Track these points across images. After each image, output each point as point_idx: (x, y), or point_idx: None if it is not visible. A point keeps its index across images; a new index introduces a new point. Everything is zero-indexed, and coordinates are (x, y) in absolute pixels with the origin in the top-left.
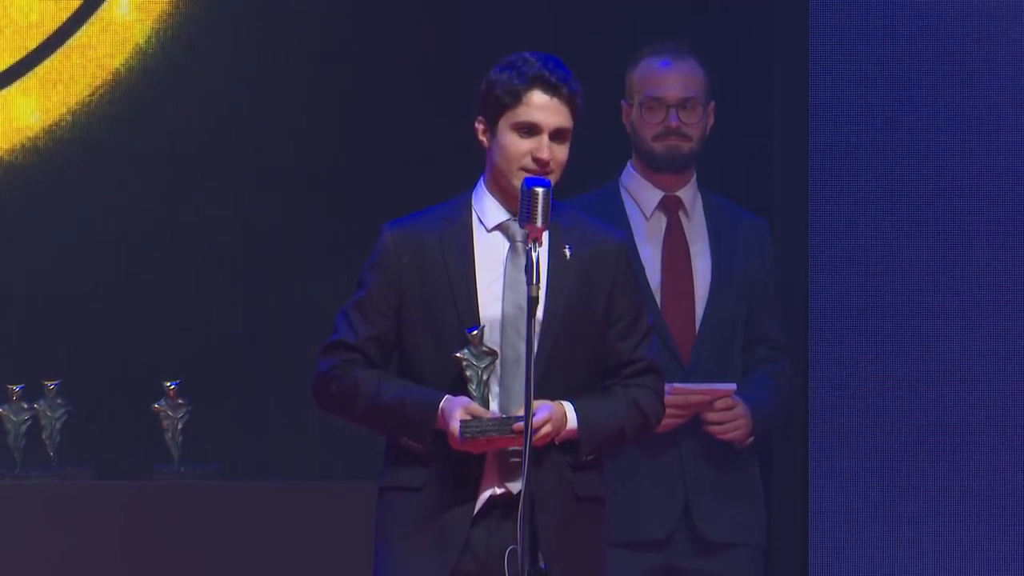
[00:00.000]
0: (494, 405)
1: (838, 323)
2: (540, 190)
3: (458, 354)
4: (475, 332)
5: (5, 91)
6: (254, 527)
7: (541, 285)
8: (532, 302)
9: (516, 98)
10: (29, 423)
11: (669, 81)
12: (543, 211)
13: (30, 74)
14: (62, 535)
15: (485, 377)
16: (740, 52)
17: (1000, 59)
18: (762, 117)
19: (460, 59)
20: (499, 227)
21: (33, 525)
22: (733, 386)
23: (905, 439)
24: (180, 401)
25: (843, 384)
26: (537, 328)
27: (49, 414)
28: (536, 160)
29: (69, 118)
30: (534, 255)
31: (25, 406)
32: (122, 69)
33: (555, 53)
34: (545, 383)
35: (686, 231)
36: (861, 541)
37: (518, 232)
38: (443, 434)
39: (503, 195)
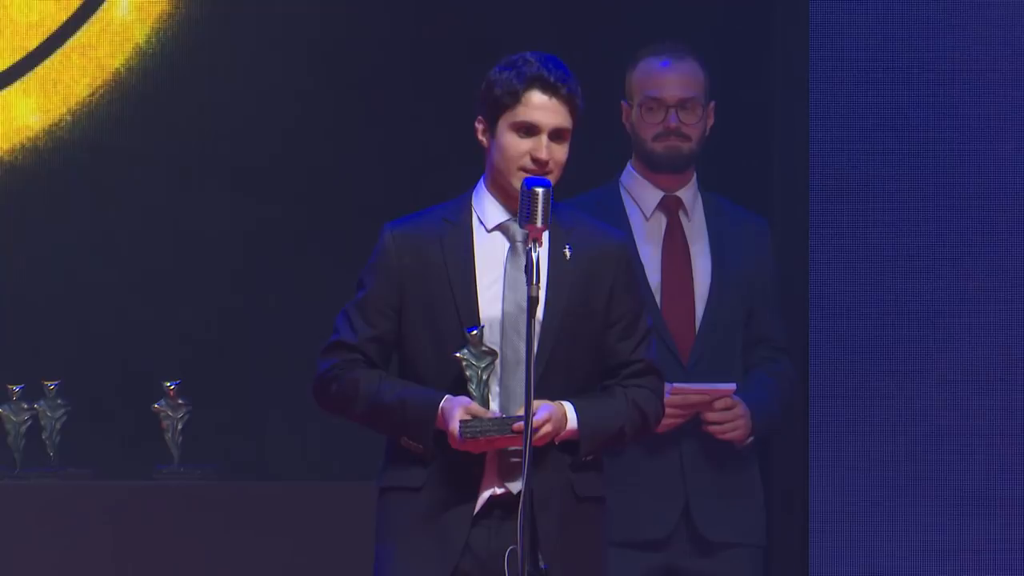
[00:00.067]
0: (494, 405)
1: (838, 323)
2: (540, 190)
3: (458, 354)
4: (475, 332)
5: (5, 91)
6: (254, 527)
7: (541, 285)
8: (532, 302)
9: (515, 98)
10: (29, 423)
11: (668, 81)
12: (543, 211)
13: (30, 74)
14: (62, 535)
15: (485, 377)
16: (740, 52)
17: (1001, 59)
18: (762, 117)
19: (461, 59)
20: (499, 227)
21: (33, 525)
22: (733, 386)
23: (905, 439)
24: (180, 401)
25: (843, 384)
26: (537, 328)
27: (49, 414)
28: (535, 160)
29: (69, 118)
30: (534, 255)
31: (25, 406)
32: (122, 69)
33: (555, 53)
34: (545, 383)
35: (686, 231)
36: (861, 541)
37: (518, 232)
38: (443, 434)
39: (503, 195)
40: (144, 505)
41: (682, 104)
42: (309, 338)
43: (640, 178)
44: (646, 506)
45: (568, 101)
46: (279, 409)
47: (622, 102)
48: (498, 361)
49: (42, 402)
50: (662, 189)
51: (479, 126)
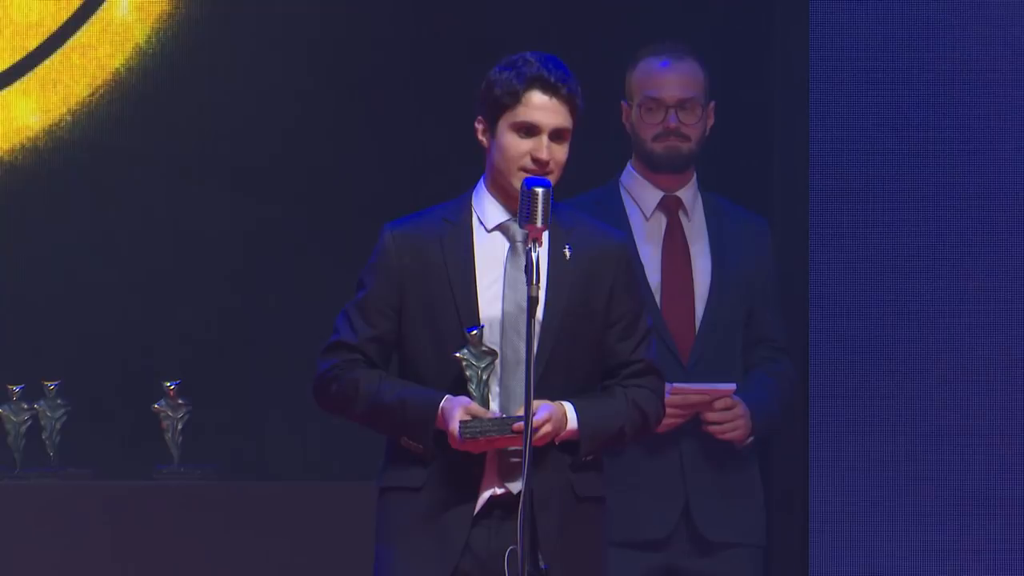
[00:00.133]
0: (494, 405)
1: (838, 323)
2: (540, 190)
3: (458, 354)
4: (475, 332)
5: (5, 91)
6: (254, 527)
7: (541, 285)
8: (532, 302)
9: (515, 98)
10: (29, 423)
11: (668, 82)
12: (543, 211)
13: (30, 74)
14: (62, 535)
15: (485, 377)
16: (740, 52)
17: (1001, 59)
18: (762, 117)
19: (461, 59)
20: (499, 227)
21: (33, 525)
22: (733, 386)
23: (905, 439)
24: (180, 401)
25: (843, 384)
26: (537, 328)
27: (49, 414)
28: (535, 160)
29: (69, 118)
30: (534, 255)
31: (25, 406)
32: (122, 69)
33: (555, 53)
34: (545, 383)
35: (686, 231)
36: (861, 541)
37: (518, 232)
38: (443, 434)
39: (503, 195)
40: (144, 505)
41: (681, 104)
42: (309, 338)
43: (640, 178)
44: (646, 506)
45: (568, 101)
46: (279, 409)
47: (622, 102)
48: (498, 361)
49: (42, 402)
50: (662, 189)
51: (479, 126)
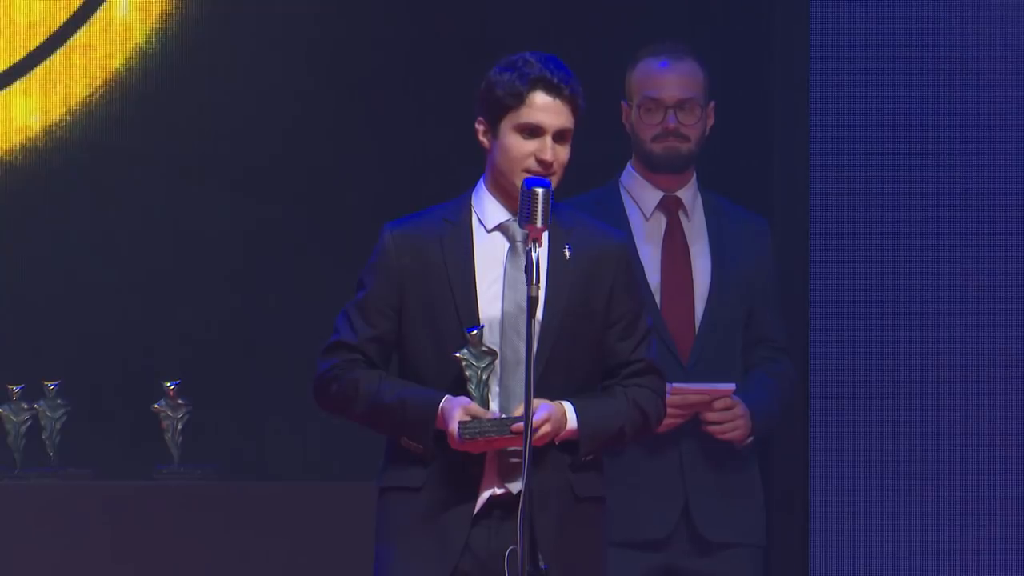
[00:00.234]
0: (494, 405)
1: (838, 323)
2: (540, 190)
3: (458, 354)
4: (475, 332)
5: (5, 91)
6: (254, 527)
7: (541, 285)
8: (532, 302)
9: (518, 99)
10: (29, 423)
11: (667, 82)
12: (543, 211)
13: (30, 74)
14: (62, 535)
15: (485, 377)
16: (740, 52)
17: (1001, 58)
18: (762, 117)
19: (461, 59)
20: (499, 227)
21: (33, 525)
22: (732, 386)
23: (905, 439)
24: (180, 401)
25: (843, 384)
26: (537, 328)
27: (49, 414)
28: (540, 161)
29: (69, 118)
30: (534, 255)
31: (25, 406)
32: (122, 69)
33: (555, 53)
34: (545, 383)
35: (686, 231)
36: (861, 541)
37: (518, 232)
38: (443, 434)
39: (504, 196)
40: (144, 505)
41: (681, 105)
42: (309, 338)
43: (640, 178)
44: (646, 506)
45: (571, 102)
46: (279, 409)
47: (622, 102)
48: (498, 361)
49: (42, 402)
50: (662, 189)
51: (480, 127)
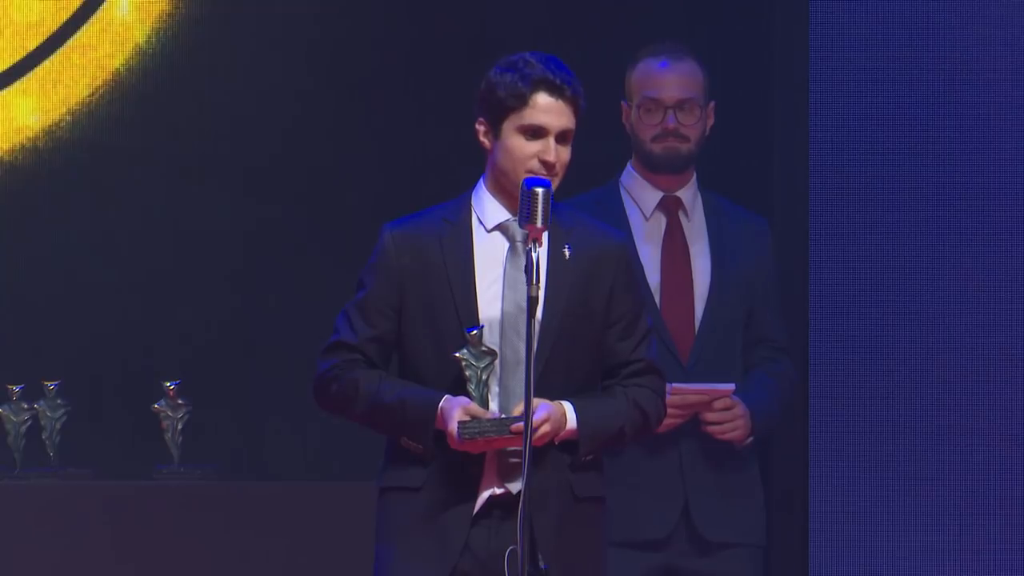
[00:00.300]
0: (493, 405)
1: (838, 323)
2: (540, 190)
3: (457, 354)
4: (474, 332)
5: (5, 91)
6: (254, 527)
7: (541, 285)
8: (532, 302)
9: (521, 101)
10: (29, 423)
11: (667, 82)
12: (543, 211)
13: (30, 74)
14: (62, 535)
15: (484, 377)
16: (740, 52)
17: (1001, 58)
18: (762, 117)
19: (461, 59)
20: (499, 227)
21: (33, 525)
22: (732, 386)
23: (905, 439)
24: (180, 401)
25: (843, 384)
26: (536, 328)
27: (49, 414)
28: (543, 163)
29: (69, 118)
30: (534, 255)
31: (25, 406)
32: (122, 69)
33: (555, 53)
34: (544, 383)
35: (686, 231)
36: (861, 541)
37: (518, 232)
38: (443, 434)
39: (504, 196)
40: (144, 505)
41: (680, 105)
42: (309, 338)
43: (640, 178)
44: (645, 506)
45: (573, 102)
46: (279, 409)
47: (622, 102)
48: (497, 361)
49: (42, 402)
50: (662, 189)
51: (480, 128)
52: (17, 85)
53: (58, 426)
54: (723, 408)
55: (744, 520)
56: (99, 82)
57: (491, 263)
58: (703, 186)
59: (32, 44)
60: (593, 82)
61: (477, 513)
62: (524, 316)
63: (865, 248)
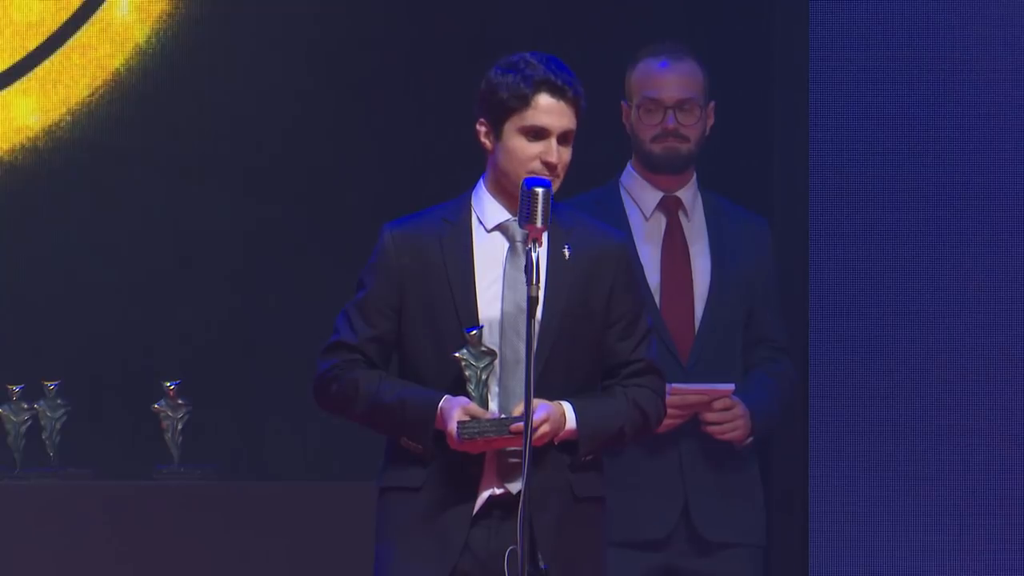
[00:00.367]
0: (493, 405)
1: (838, 323)
2: (540, 190)
3: (457, 354)
4: (474, 332)
5: (5, 91)
6: (254, 527)
7: (540, 285)
8: (532, 302)
9: (523, 102)
10: (29, 423)
11: (666, 82)
12: (543, 211)
13: (30, 74)
14: (62, 535)
15: (484, 377)
16: (740, 52)
17: (1001, 58)
18: (762, 117)
19: (461, 59)
20: (499, 227)
21: (33, 525)
22: (731, 386)
23: (905, 439)
24: (180, 401)
25: (843, 384)
26: (536, 328)
27: (49, 414)
28: (545, 163)
29: (69, 118)
30: (533, 255)
31: (25, 406)
32: (122, 69)
33: (555, 53)
34: (544, 383)
35: (686, 231)
36: (861, 541)
37: (518, 232)
38: (443, 434)
39: (505, 196)
40: (144, 505)
41: (680, 105)
42: (309, 338)
43: (640, 178)
44: (645, 506)
45: (574, 103)
46: (279, 409)
47: (622, 102)
48: (497, 361)
49: (42, 402)
50: (661, 189)
51: (481, 128)
52: (17, 85)
53: (58, 426)
54: (723, 408)
55: (744, 520)
56: (99, 82)
57: (491, 263)
58: (703, 186)
59: (32, 44)
60: (593, 82)
61: (477, 513)
62: (524, 316)
63: (865, 248)
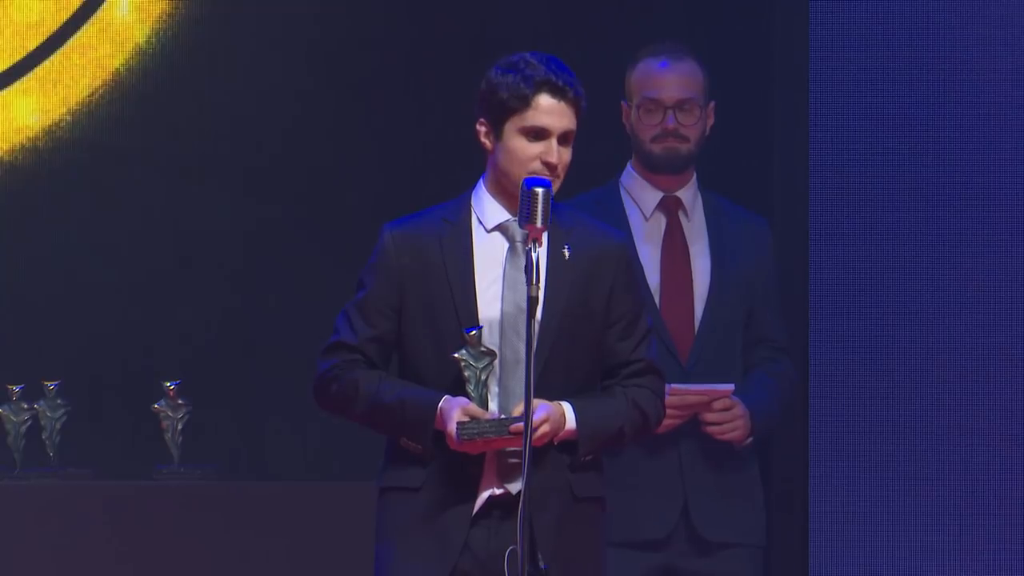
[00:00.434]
0: (493, 406)
1: (838, 323)
2: (540, 190)
3: (456, 355)
4: (474, 333)
5: (5, 91)
6: (254, 527)
7: (540, 285)
8: (532, 302)
9: (524, 102)
10: (29, 423)
11: (666, 82)
12: (543, 211)
13: (30, 74)
14: (62, 535)
15: (483, 377)
16: (740, 52)
17: (1001, 58)
18: (762, 117)
19: (461, 59)
20: (499, 227)
21: (33, 525)
22: (731, 386)
23: (905, 439)
24: (180, 401)
25: (843, 384)
26: (536, 328)
27: (49, 414)
28: (545, 164)
29: (69, 118)
30: (533, 255)
31: (25, 406)
32: (122, 69)
33: (555, 53)
34: (544, 383)
35: (686, 231)
36: (861, 541)
37: (518, 232)
38: (442, 434)
39: (505, 196)
40: (144, 505)
41: (680, 105)
42: (309, 338)
43: (640, 178)
44: (645, 506)
45: (575, 103)
46: (279, 409)
47: (622, 102)
48: (497, 361)
49: (42, 402)
50: (661, 189)
51: (481, 128)
52: (17, 85)
53: (58, 426)
54: (723, 408)
55: (744, 520)
56: (99, 82)
57: (491, 263)
58: (703, 186)
59: (32, 44)
60: (593, 82)
61: (477, 513)
62: (524, 316)
63: (865, 248)
